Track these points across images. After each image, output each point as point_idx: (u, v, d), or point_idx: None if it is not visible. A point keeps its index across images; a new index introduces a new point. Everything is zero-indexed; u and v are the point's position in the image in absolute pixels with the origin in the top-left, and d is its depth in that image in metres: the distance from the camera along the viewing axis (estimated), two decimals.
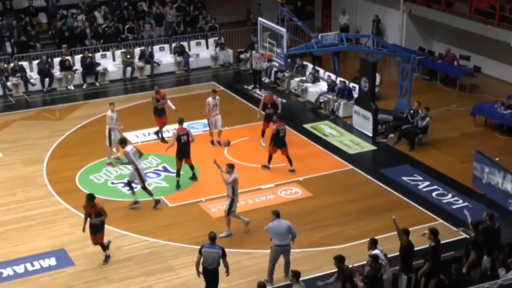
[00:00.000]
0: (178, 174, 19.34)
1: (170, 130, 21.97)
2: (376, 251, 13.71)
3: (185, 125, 19.68)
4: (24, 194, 19.21)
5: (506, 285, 13.32)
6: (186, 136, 19.16)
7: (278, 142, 20.02)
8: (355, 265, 13.81)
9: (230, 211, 16.87)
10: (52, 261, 16.10)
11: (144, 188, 18.33)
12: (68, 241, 16.78)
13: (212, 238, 14.00)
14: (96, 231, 15.82)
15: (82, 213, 17.97)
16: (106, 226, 17.21)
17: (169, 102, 22.13)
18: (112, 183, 19.74)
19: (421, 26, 30.06)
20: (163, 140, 22.04)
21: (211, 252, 13.90)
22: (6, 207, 18.48)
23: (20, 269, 15.85)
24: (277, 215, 15.06)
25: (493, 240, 14.66)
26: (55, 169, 20.24)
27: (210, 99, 21.39)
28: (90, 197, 15.81)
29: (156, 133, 22.42)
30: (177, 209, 18.42)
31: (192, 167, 19.60)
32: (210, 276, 14.09)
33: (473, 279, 14.16)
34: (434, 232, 14.04)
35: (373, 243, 13.90)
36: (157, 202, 18.42)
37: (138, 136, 22.47)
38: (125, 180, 18.84)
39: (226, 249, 14.00)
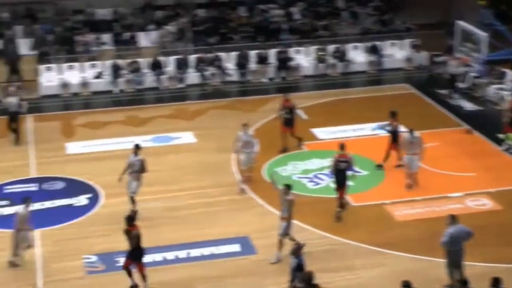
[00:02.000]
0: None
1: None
2: None
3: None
4: (212, 180, 19.77)
5: None
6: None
7: None
8: None
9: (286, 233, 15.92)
10: (236, 248, 16.53)
11: None
12: (252, 230, 17.14)
13: None
14: None
15: (268, 204, 18.31)
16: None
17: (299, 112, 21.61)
18: (298, 177, 20.02)
19: None
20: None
21: None
22: (194, 191, 19.11)
23: (206, 251, 16.34)
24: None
25: None
26: None
27: (241, 133, 19.36)
28: None
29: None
30: (360, 209, 18.36)
31: None
32: None
33: None
34: None
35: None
36: None
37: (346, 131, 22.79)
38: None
39: None
